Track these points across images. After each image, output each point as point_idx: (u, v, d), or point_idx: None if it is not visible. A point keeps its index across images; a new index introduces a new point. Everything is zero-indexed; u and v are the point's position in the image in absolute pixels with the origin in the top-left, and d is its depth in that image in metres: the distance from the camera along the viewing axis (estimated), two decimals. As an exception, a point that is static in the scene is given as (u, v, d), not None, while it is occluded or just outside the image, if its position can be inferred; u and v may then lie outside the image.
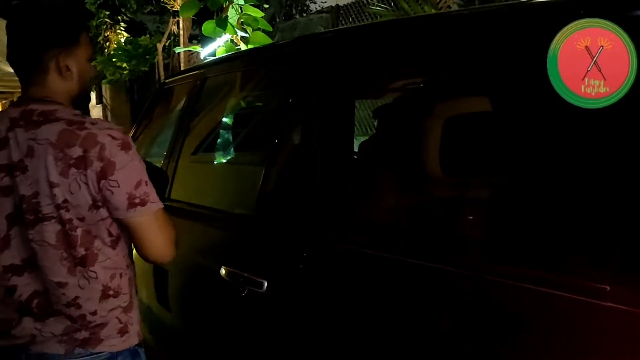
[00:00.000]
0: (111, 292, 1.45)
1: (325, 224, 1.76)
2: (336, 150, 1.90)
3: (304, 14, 10.92)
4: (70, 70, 1.47)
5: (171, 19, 10.94)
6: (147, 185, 1.42)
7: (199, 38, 8.20)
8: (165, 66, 11.70)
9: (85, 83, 1.52)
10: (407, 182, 1.81)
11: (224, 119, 2.89)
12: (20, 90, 1.49)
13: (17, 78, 1.48)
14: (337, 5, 7.88)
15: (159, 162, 2.78)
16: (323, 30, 7.35)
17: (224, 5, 4.39)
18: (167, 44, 11.46)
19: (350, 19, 7.55)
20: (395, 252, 1.51)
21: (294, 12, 11.34)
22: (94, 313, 1.43)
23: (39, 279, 1.41)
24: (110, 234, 1.43)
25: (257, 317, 1.90)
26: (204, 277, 2.24)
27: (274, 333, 1.83)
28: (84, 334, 1.43)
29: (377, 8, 5.49)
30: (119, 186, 1.37)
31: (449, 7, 5.33)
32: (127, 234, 1.49)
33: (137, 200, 1.39)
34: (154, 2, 12.02)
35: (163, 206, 1.47)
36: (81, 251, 1.39)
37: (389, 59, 1.78)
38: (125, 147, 1.39)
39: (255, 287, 1.84)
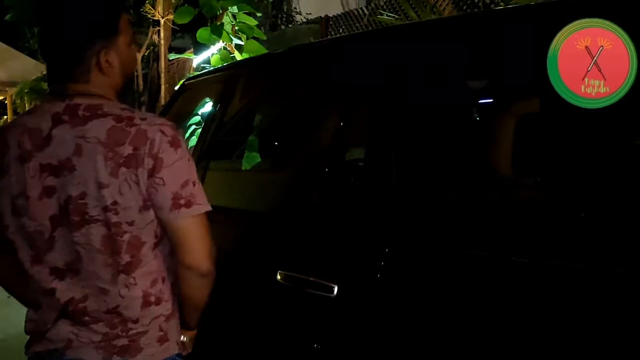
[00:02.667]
0: (152, 299, 1.42)
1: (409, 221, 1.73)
2: (413, 145, 1.88)
3: (290, 25, 11.04)
4: (112, 64, 1.42)
5: (151, 29, 11.01)
6: (194, 185, 1.39)
7: (191, 48, 8.27)
8: (144, 76, 11.74)
9: (128, 72, 1.49)
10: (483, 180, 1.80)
11: (268, 121, 2.90)
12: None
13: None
14: (327, 15, 8.02)
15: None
16: (313, 40, 7.45)
17: (218, 13, 4.48)
18: (146, 54, 11.52)
19: (341, 30, 7.68)
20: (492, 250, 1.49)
21: (279, 22, 11.46)
22: (136, 321, 1.40)
23: (79, 285, 1.39)
24: (155, 236, 1.41)
25: (324, 324, 1.86)
26: (253, 285, 2.20)
27: (345, 341, 1.78)
28: (122, 341, 1.40)
29: (385, 17, 5.62)
30: (164, 184, 1.34)
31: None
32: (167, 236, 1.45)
33: (182, 201, 1.36)
34: (131, 11, 12.09)
35: (210, 209, 1.43)
36: (126, 258, 1.37)
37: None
38: (174, 144, 1.37)
39: (323, 291, 1.82)
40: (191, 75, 3.65)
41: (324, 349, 1.85)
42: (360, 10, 7.64)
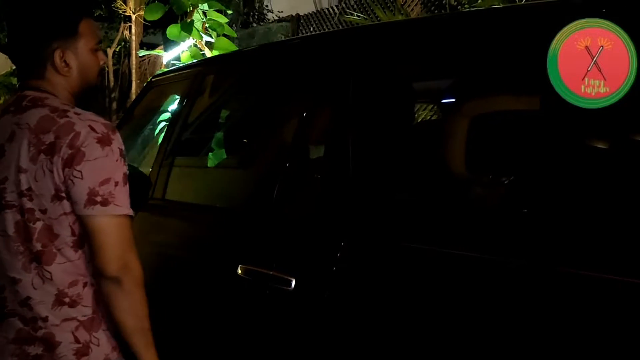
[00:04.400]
0: (67, 300, 1.34)
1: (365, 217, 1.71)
2: (369, 141, 1.87)
3: (262, 23, 10.93)
4: (69, 65, 1.39)
5: (122, 25, 10.76)
6: (116, 186, 1.32)
7: (162, 44, 8.14)
8: (115, 72, 11.48)
9: (88, 77, 1.44)
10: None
11: (230, 117, 2.85)
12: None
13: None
14: (298, 14, 7.94)
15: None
16: (283, 38, 7.36)
17: (189, 10, 4.37)
18: (117, 50, 11.26)
19: (312, 28, 7.61)
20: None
21: (251, 20, 11.33)
22: (45, 319, 1.33)
23: None
24: (73, 233, 1.34)
25: (282, 317, 1.84)
26: (213, 279, 2.15)
27: (302, 333, 1.76)
28: (36, 350, 1.33)
29: (353, 17, 5.56)
30: (82, 178, 1.29)
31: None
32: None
33: (98, 198, 1.29)
34: (103, 7, 11.79)
35: (132, 214, 1.36)
36: (37, 246, 1.32)
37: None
38: (103, 141, 1.31)
39: (281, 285, 1.79)
40: (159, 72, 3.56)
41: (283, 341, 1.83)
42: (331, 10, 7.58)
